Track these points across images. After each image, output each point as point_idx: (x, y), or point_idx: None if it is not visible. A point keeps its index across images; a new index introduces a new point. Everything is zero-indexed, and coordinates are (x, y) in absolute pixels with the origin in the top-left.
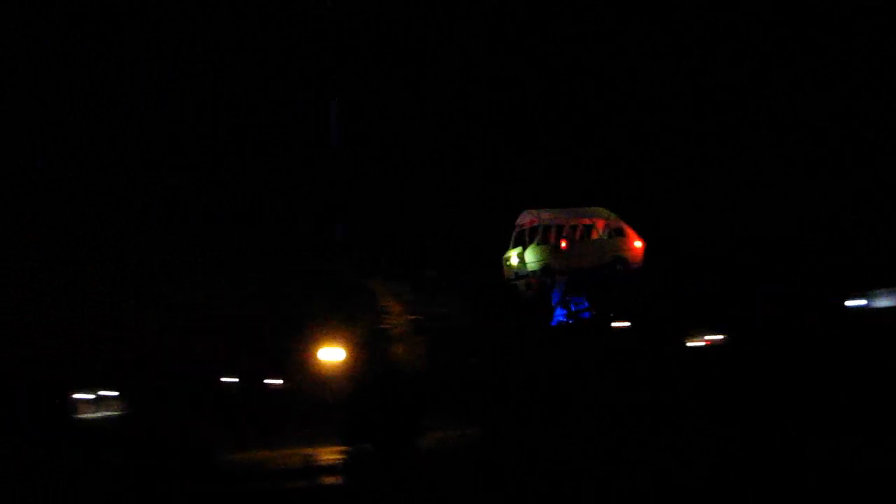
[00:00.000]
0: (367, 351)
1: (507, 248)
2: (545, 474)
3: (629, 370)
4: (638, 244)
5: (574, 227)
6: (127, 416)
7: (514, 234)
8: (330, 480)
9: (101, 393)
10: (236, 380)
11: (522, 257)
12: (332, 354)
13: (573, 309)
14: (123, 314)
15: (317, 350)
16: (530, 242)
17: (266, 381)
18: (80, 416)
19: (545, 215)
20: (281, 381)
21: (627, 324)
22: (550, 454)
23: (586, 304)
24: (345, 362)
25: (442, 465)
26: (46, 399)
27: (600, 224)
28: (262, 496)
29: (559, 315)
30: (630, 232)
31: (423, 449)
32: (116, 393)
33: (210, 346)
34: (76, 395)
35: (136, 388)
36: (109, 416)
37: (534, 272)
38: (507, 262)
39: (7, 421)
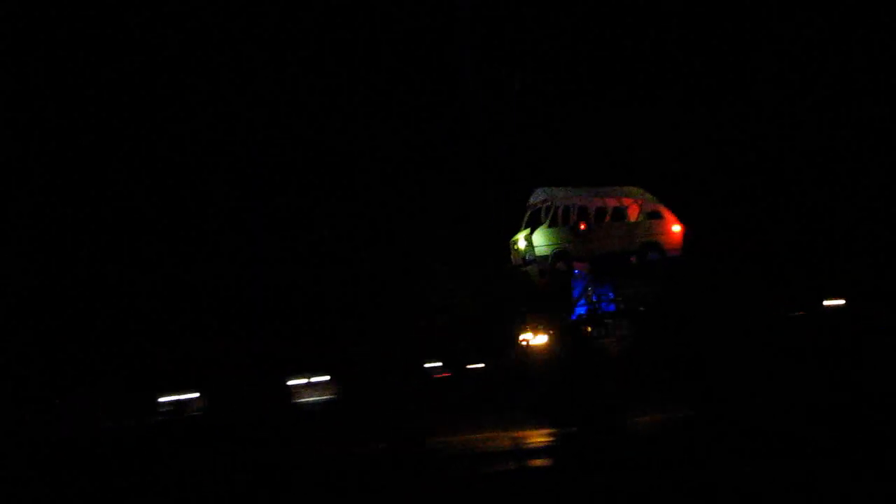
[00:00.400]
0: (570, 335)
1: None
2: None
3: None
4: (676, 228)
5: (600, 209)
6: (340, 399)
7: (526, 214)
8: (538, 463)
9: (315, 379)
10: (442, 364)
11: (530, 240)
12: (535, 339)
13: (594, 300)
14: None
15: (522, 334)
16: (538, 223)
17: (471, 365)
18: (297, 400)
19: (561, 194)
20: (484, 365)
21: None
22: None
23: (611, 296)
24: (548, 346)
25: (649, 448)
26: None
27: (631, 206)
28: (471, 478)
29: (580, 308)
30: (668, 214)
31: (629, 432)
32: (328, 378)
33: (420, 332)
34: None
35: (348, 374)
36: (324, 399)
37: (543, 257)
38: (515, 246)
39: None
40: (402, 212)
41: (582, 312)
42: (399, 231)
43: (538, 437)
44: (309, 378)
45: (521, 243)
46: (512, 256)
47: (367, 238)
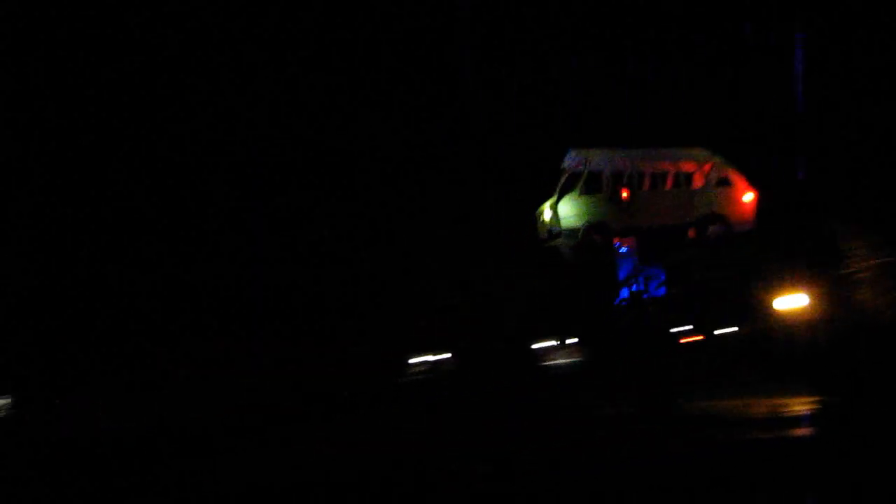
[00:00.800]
0: (832, 297)
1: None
2: None
3: None
4: (749, 197)
5: (651, 174)
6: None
7: (560, 181)
8: (798, 432)
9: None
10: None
11: (556, 210)
12: (792, 302)
13: (638, 286)
14: None
15: (777, 297)
16: (570, 191)
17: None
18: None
19: (599, 156)
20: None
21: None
22: None
23: (662, 278)
24: (808, 310)
25: None
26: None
27: (694, 172)
28: (726, 444)
29: (623, 293)
30: (739, 181)
31: None
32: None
33: None
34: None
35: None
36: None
37: (571, 230)
38: (540, 218)
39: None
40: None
41: (625, 296)
42: None
43: (798, 406)
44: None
45: (547, 214)
46: (538, 230)
47: None
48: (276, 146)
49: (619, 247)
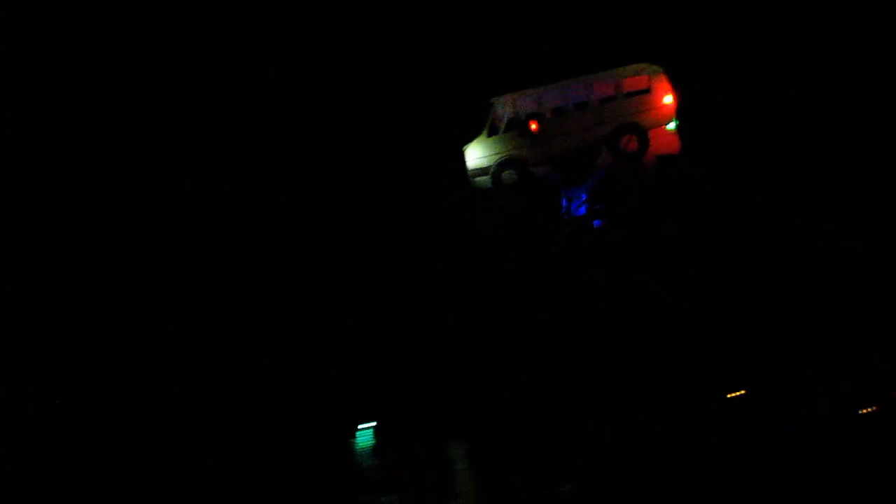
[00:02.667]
0: None
1: None
2: None
3: None
4: (668, 99)
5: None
6: None
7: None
8: None
9: None
10: None
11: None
12: None
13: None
14: None
15: None
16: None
17: None
18: None
19: (507, 99)
20: None
21: None
22: None
23: (583, 198)
24: None
25: None
26: None
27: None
28: None
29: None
30: (660, 86)
31: None
32: None
33: None
34: None
35: None
36: None
37: (480, 169)
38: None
39: None
40: None
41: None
42: None
43: None
44: None
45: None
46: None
47: None
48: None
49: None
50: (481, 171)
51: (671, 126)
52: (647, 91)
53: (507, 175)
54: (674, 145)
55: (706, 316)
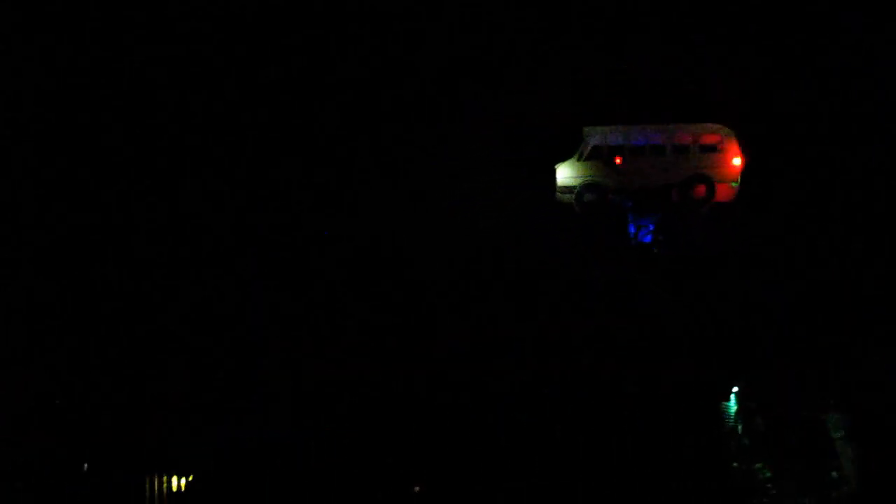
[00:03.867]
0: None
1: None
2: None
3: None
4: (737, 161)
5: (648, 145)
6: None
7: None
8: None
9: None
10: None
11: (554, 172)
12: None
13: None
14: None
15: None
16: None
17: None
18: None
19: (598, 132)
20: None
21: None
22: None
23: (650, 227)
24: None
25: None
26: None
27: (690, 141)
28: None
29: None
30: (731, 147)
31: None
32: None
33: None
34: None
35: None
36: None
37: (566, 187)
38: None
39: None
40: None
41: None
42: None
43: None
44: None
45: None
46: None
47: None
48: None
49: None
50: (567, 190)
51: (735, 183)
52: (718, 150)
53: (587, 197)
54: (730, 195)
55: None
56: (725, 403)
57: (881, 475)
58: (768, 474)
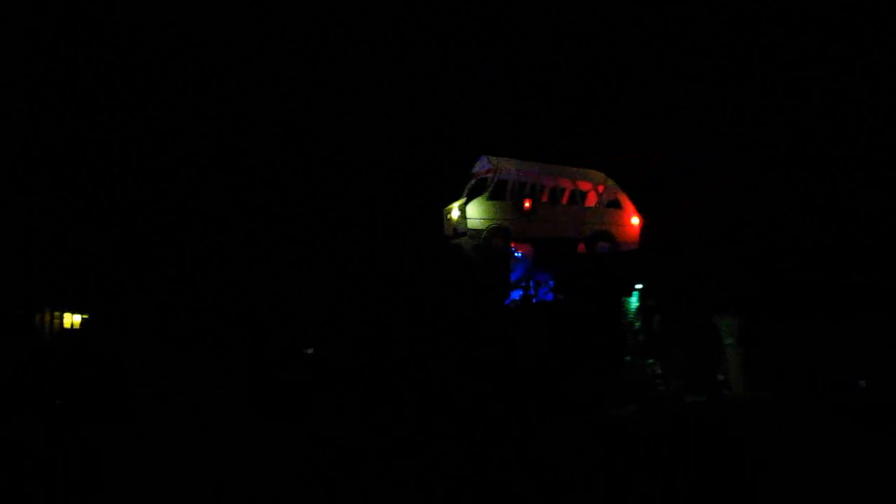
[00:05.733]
0: None
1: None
2: None
3: None
4: (635, 221)
5: (551, 189)
6: None
7: (469, 184)
8: None
9: None
10: None
11: (464, 211)
12: None
13: (530, 288)
14: None
15: None
16: (478, 195)
17: None
18: None
19: (507, 165)
20: None
21: None
22: None
23: (552, 284)
24: None
25: None
26: None
27: (589, 191)
28: None
29: (514, 294)
30: (628, 205)
31: None
32: None
33: None
34: None
35: None
36: None
37: (476, 231)
38: (448, 216)
39: None
40: None
41: (516, 297)
42: None
43: None
44: None
45: (455, 213)
46: (445, 227)
47: None
48: None
49: (515, 251)
50: (474, 233)
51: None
52: (619, 206)
53: (494, 243)
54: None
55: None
56: (627, 299)
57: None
58: (658, 370)
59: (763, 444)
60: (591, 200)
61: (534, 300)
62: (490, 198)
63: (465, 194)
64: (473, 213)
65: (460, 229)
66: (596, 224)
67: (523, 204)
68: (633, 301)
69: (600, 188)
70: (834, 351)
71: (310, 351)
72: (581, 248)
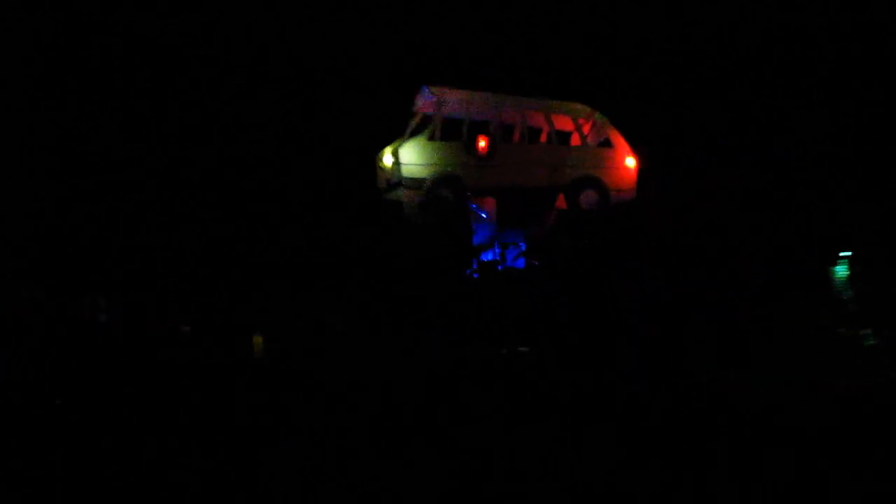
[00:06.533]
0: None
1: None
2: None
3: None
4: (630, 162)
5: (522, 127)
6: None
7: (411, 123)
8: None
9: None
10: None
11: (398, 155)
12: None
13: (493, 254)
14: None
15: None
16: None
17: None
18: None
19: (455, 96)
20: None
21: None
22: None
23: (522, 247)
24: None
25: None
26: None
27: (572, 129)
28: None
29: (485, 255)
30: (621, 143)
31: None
32: None
33: None
34: None
35: None
36: None
37: (413, 180)
38: (380, 164)
39: None
40: None
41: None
42: None
43: None
44: None
45: (387, 159)
46: (378, 179)
47: None
48: None
49: (479, 209)
50: (413, 183)
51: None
52: (610, 145)
53: (443, 195)
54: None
55: None
56: (834, 268)
57: None
58: (872, 342)
59: None
60: (574, 140)
61: (499, 267)
62: (433, 138)
63: (405, 136)
64: (410, 157)
65: (394, 179)
66: (579, 168)
67: (477, 144)
68: (843, 269)
69: (585, 125)
70: None
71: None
72: (560, 200)
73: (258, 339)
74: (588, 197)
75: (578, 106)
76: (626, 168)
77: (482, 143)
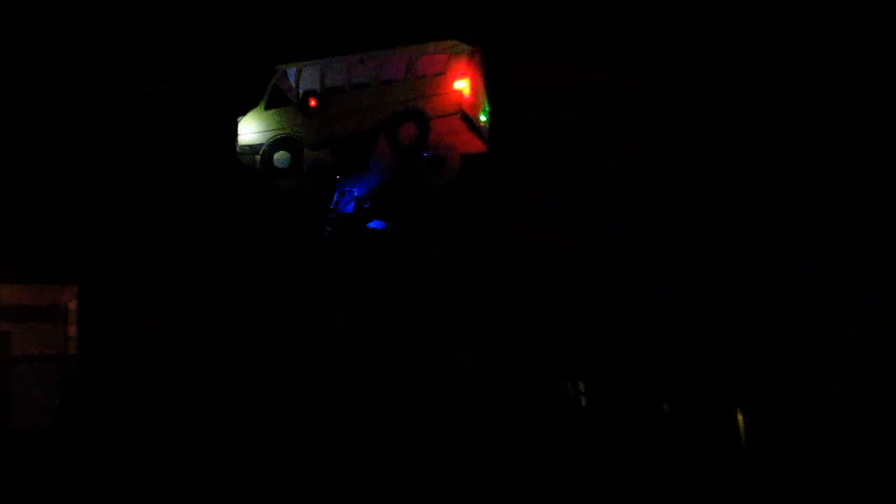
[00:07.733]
0: None
1: None
2: None
3: None
4: (460, 85)
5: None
6: None
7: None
8: None
9: None
10: None
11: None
12: None
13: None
14: None
15: None
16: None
17: None
18: None
19: (295, 67)
20: None
21: None
22: None
23: (355, 192)
24: None
25: None
26: None
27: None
28: None
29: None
30: (454, 66)
31: None
32: None
33: None
34: None
35: None
36: None
37: (251, 146)
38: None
39: None
40: None
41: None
42: None
43: None
44: None
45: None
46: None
47: None
48: None
49: (374, 162)
50: (252, 149)
51: (483, 118)
52: (440, 73)
53: (280, 157)
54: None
55: None
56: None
57: None
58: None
59: None
60: (397, 74)
61: (330, 215)
62: (270, 106)
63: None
64: (248, 127)
65: (238, 150)
66: (399, 103)
67: (309, 103)
68: None
69: (437, 61)
70: None
71: None
72: (382, 141)
73: None
74: (408, 130)
75: (450, 43)
76: (453, 91)
77: (312, 102)
